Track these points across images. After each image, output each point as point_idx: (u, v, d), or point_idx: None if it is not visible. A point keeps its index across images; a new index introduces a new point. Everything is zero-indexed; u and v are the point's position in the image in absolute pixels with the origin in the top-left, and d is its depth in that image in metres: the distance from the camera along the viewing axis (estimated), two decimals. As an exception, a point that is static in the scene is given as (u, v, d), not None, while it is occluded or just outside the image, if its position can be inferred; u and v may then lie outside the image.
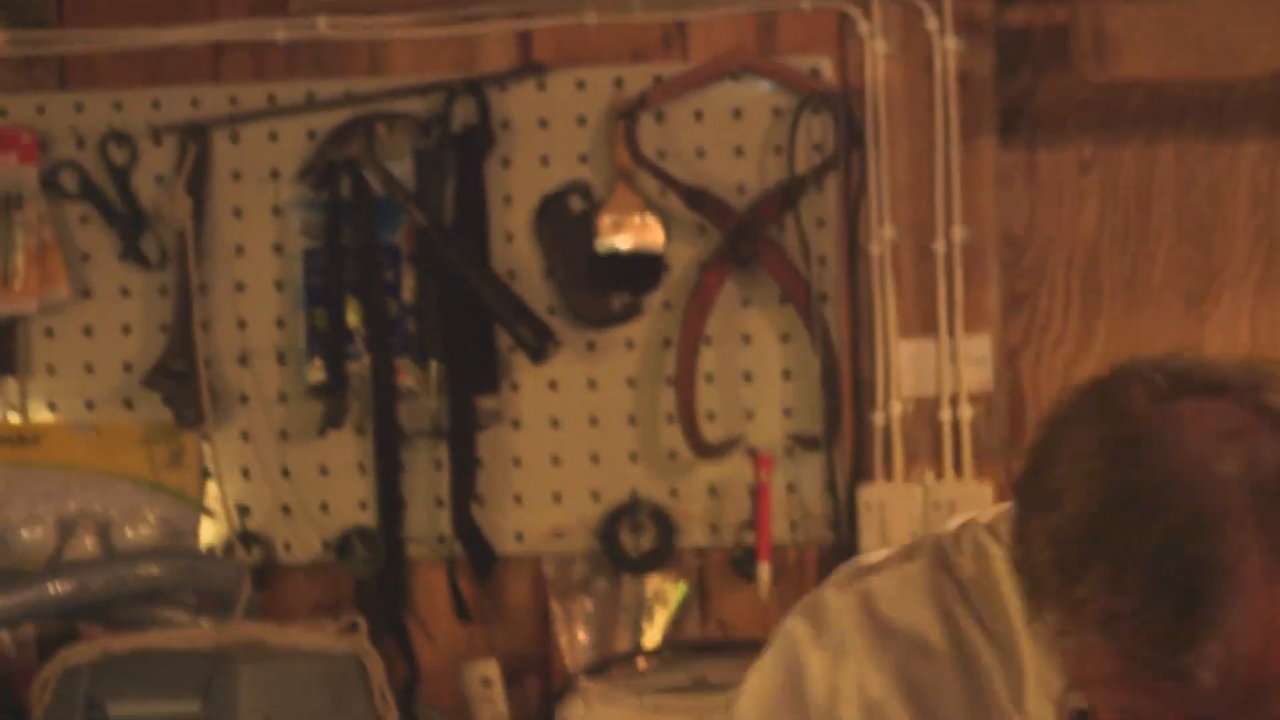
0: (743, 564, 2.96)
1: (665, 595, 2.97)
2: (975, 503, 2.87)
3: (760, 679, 1.60)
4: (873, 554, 1.65)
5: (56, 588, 2.74)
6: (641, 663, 2.93)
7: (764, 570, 2.92)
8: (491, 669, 2.92)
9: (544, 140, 2.91)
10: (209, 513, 3.02)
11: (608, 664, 2.93)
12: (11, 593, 2.76)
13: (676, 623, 2.97)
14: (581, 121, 2.91)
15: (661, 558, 2.97)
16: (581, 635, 2.94)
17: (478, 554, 2.96)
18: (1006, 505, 1.50)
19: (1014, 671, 1.54)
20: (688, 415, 2.95)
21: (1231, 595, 1.26)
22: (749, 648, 3.11)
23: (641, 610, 2.96)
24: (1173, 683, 1.27)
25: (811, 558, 2.96)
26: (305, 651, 2.71)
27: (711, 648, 2.95)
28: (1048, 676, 1.48)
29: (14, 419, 3.03)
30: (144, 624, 2.79)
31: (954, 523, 1.59)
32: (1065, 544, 1.30)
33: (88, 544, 3.00)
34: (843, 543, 2.89)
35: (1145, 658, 1.28)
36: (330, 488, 3.05)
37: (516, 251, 2.91)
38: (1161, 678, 1.28)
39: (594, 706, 2.84)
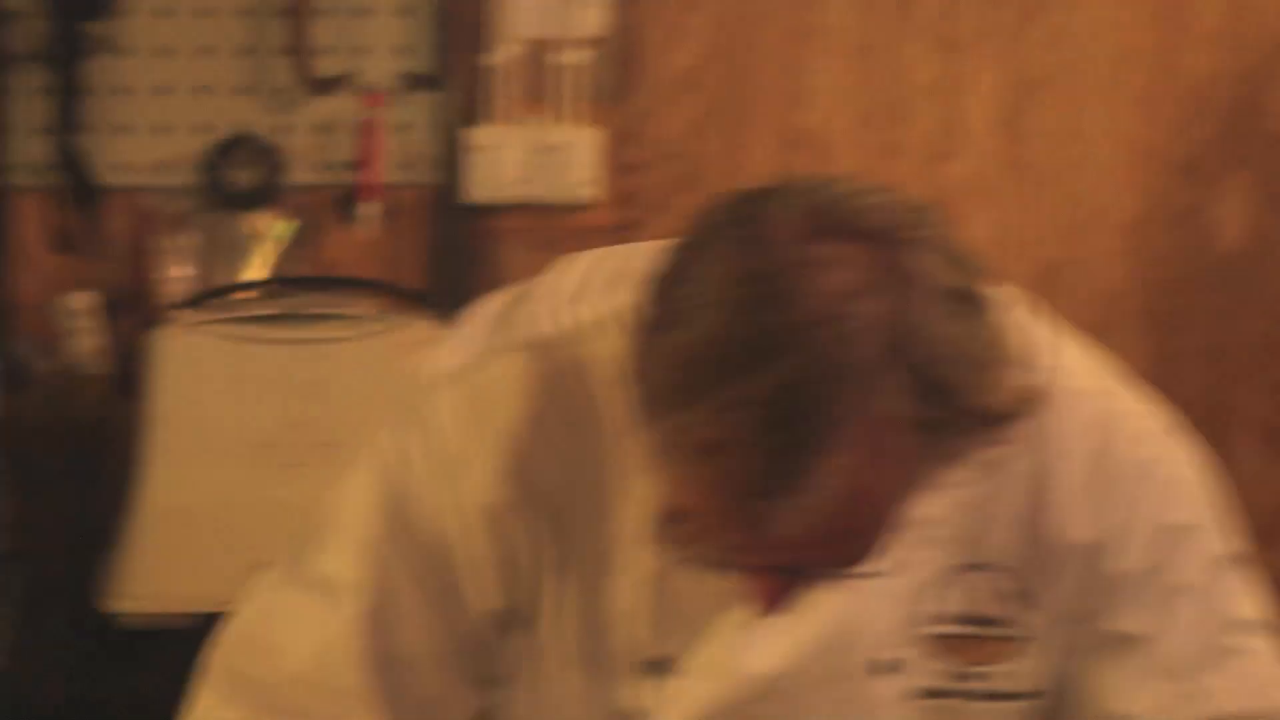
0: (349, 203, 2.99)
1: (270, 232, 2.97)
2: (584, 147, 3.00)
3: (360, 501, 1.61)
4: (461, 338, 1.63)
5: None
6: (240, 296, 2.95)
7: (370, 209, 2.97)
8: (90, 300, 2.94)
9: None
10: None
11: (205, 296, 2.92)
12: None
13: (282, 260, 2.99)
14: None
15: (268, 195, 2.97)
16: (182, 270, 2.94)
17: (79, 184, 2.94)
18: (619, 292, 1.52)
19: (598, 472, 1.56)
20: (300, 49, 2.94)
21: (829, 451, 1.27)
22: (352, 285, 2.82)
23: (245, 247, 2.98)
24: (756, 524, 1.31)
25: (419, 199, 3.00)
26: None
27: (311, 283, 2.98)
28: (638, 475, 1.51)
29: None
30: None
31: (545, 313, 1.57)
32: (684, 367, 1.30)
33: None
34: (452, 184, 2.94)
35: (735, 494, 1.30)
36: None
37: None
38: (746, 517, 1.31)
39: (186, 335, 2.87)
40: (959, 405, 1.28)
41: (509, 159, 3.00)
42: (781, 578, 1.39)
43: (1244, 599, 1.54)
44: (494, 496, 1.52)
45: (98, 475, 2.97)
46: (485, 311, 1.63)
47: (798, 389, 1.26)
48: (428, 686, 1.58)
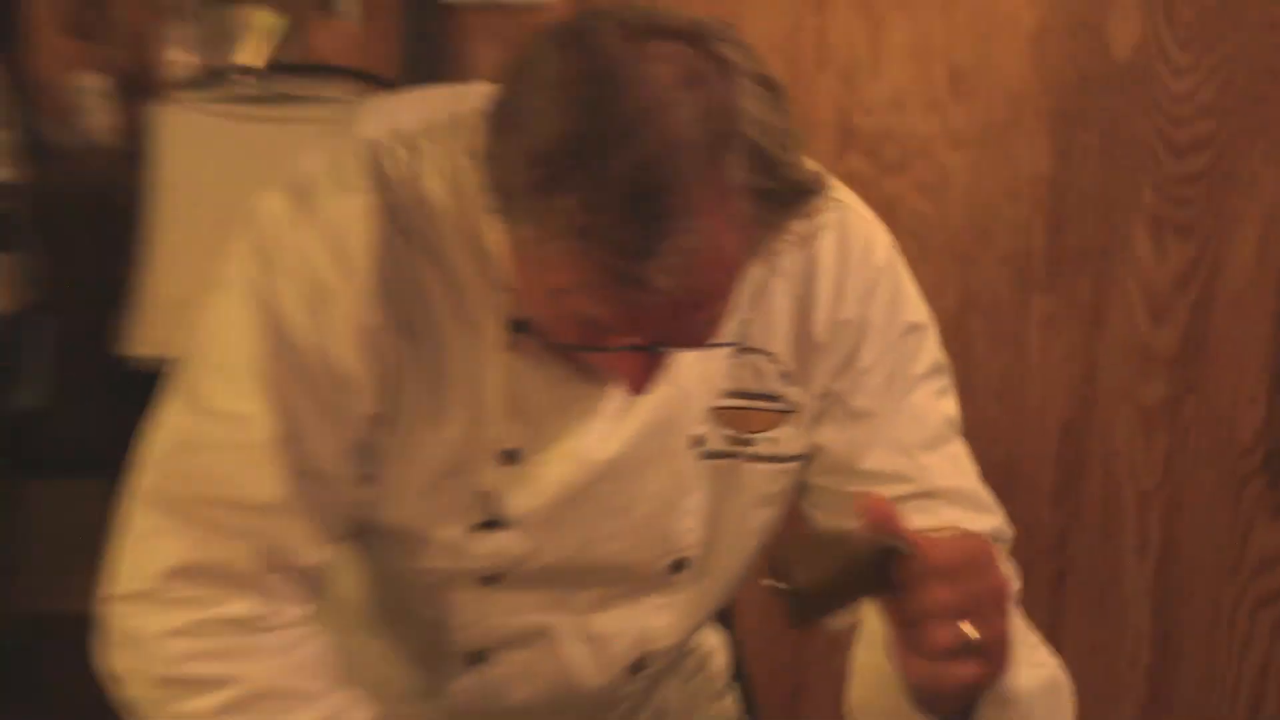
0: None
1: (261, 24, 3.11)
2: None
3: (242, 332, 1.74)
4: (304, 177, 1.76)
5: None
6: (237, 80, 3.09)
7: (350, 4, 3.14)
8: (100, 80, 3.11)
9: None
10: None
11: (202, 80, 3.09)
12: None
13: (271, 50, 3.10)
14: None
15: None
16: (183, 56, 3.09)
17: None
18: (412, 118, 1.74)
19: (451, 280, 1.73)
20: None
21: (687, 216, 1.44)
22: (332, 72, 3.14)
23: (239, 37, 3.10)
24: (632, 290, 1.48)
25: None
26: None
27: (296, 70, 3.12)
28: (484, 288, 1.71)
29: None
30: None
31: (379, 138, 1.74)
32: (541, 164, 1.46)
33: None
34: None
35: (612, 265, 1.46)
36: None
37: None
38: (625, 284, 1.47)
39: (186, 113, 3.04)
40: (783, 175, 1.47)
41: None
42: (647, 356, 1.60)
43: (951, 401, 1.88)
44: (365, 319, 1.68)
45: (113, 236, 3.05)
46: (317, 139, 1.83)
47: (650, 166, 1.42)
48: (338, 491, 1.75)
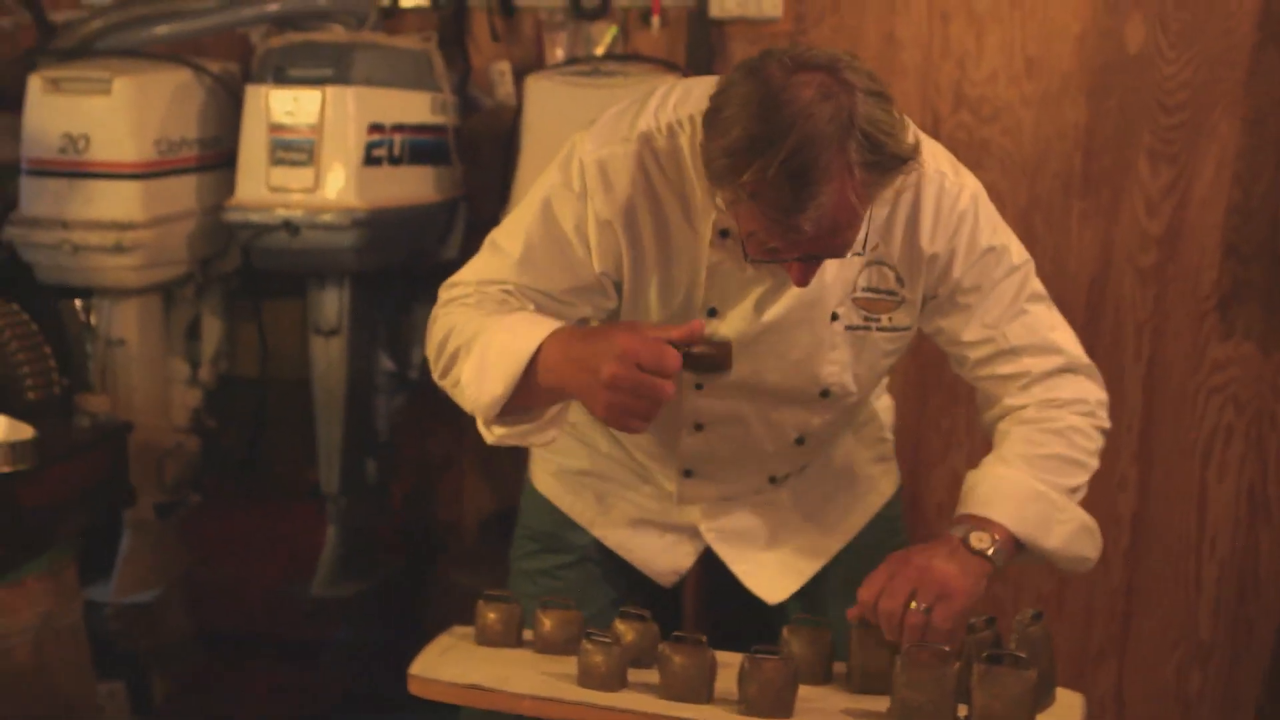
0: (646, 17, 3.87)
1: (604, 32, 3.89)
2: None
3: (533, 202, 2.21)
4: (602, 127, 2.20)
5: (273, 7, 3.73)
6: (590, 63, 3.75)
7: (657, 20, 3.88)
8: (506, 66, 3.97)
9: None
10: None
11: (567, 62, 3.81)
12: (243, 7, 3.73)
13: (610, 46, 3.90)
14: None
15: (603, 12, 3.87)
16: (557, 49, 3.91)
17: (504, 6, 3.90)
18: (689, 105, 2.15)
19: (687, 206, 2.15)
20: None
21: (823, 184, 1.88)
22: (645, 60, 3.85)
23: (591, 38, 3.89)
24: (790, 232, 1.93)
25: (684, 14, 3.93)
26: (399, 48, 3.65)
27: (624, 58, 3.83)
28: (708, 207, 2.13)
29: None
30: (319, 29, 3.74)
31: (658, 111, 2.18)
32: (736, 152, 1.90)
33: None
34: (703, 6, 3.87)
35: (776, 217, 1.92)
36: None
37: None
38: (785, 229, 1.93)
39: (551, 81, 3.68)
40: (887, 152, 1.93)
41: None
42: (807, 263, 2.03)
43: (1029, 283, 2.27)
44: (605, 215, 2.16)
45: (507, 157, 3.70)
46: (621, 107, 2.24)
47: (801, 150, 1.86)
48: (554, 308, 2.21)
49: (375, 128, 3.46)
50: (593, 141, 2.16)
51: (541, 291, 2.21)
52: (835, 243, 2.00)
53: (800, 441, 2.38)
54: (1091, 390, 2.31)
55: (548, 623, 2.32)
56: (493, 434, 2.18)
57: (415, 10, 3.97)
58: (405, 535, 3.97)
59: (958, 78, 3.99)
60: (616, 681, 2.24)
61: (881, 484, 2.60)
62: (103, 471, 3.20)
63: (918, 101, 4.07)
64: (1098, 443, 2.29)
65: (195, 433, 3.80)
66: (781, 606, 2.51)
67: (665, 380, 2.00)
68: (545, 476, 2.59)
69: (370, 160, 3.45)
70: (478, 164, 3.93)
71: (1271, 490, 4.06)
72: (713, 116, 1.97)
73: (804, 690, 2.20)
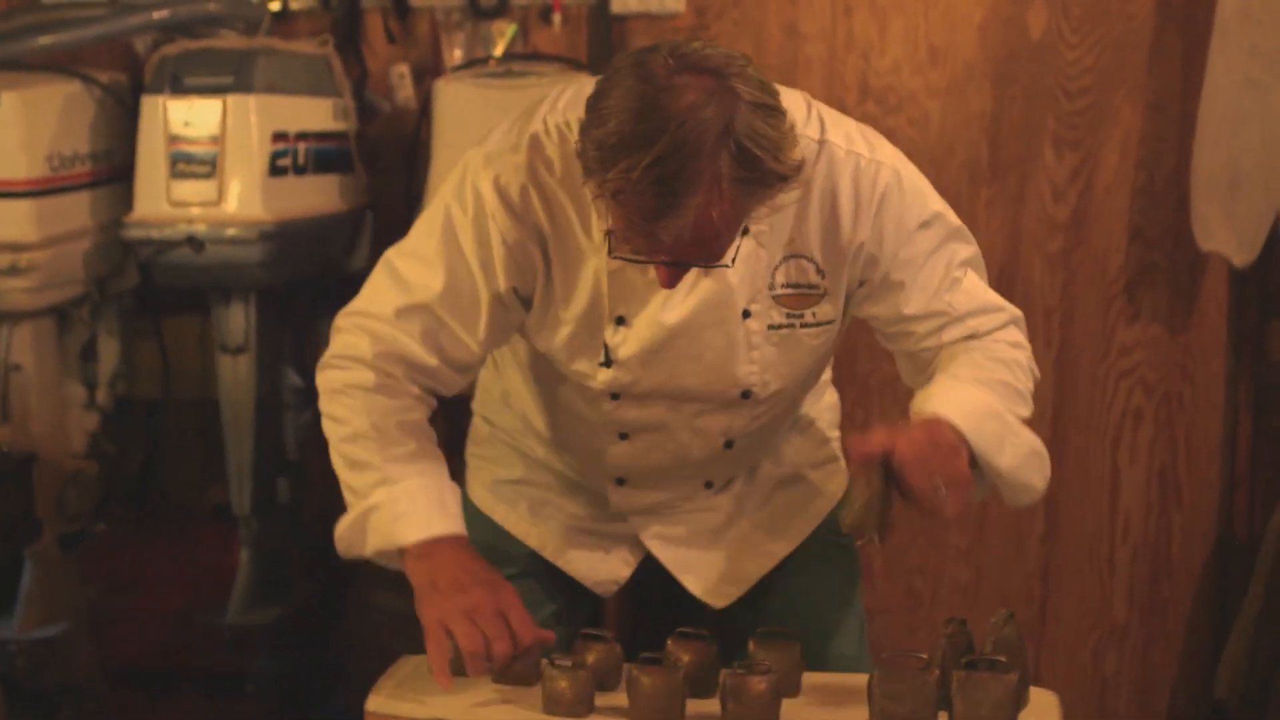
0: (547, 14, 3.85)
1: (504, 31, 3.85)
2: None
3: (424, 241, 2.19)
4: (493, 141, 2.17)
5: (161, 14, 3.60)
6: (488, 65, 3.74)
7: (557, 18, 3.84)
8: (405, 69, 3.94)
9: None
10: None
11: (467, 64, 3.78)
12: (129, 15, 3.60)
13: (508, 45, 3.85)
14: None
15: (502, 10, 3.83)
16: (456, 51, 3.87)
17: (400, 6, 3.87)
18: (578, 107, 2.04)
19: (583, 211, 2.11)
20: None
21: (686, 197, 1.86)
22: (544, 58, 3.75)
23: (491, 38, 3.85)
24: (647, 235, 1.91)
25: (585, 11, 3.91)
26: (298, 53, 3.62)
27: (523, 57, 3.80)
28: (604, 216, 2.06)
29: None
30: (210, 36, 3.66)
31: (547, 116, 2.14)
32: (605, 147, 1.85)
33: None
34: (604, 3, 3.86)
35: (635, 220, 1.89)
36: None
37: None
38: (643, 233, 1.91)
39: (457, 83, 3.66)
40: (764, 168, 1.89)
41: None
42: (670, 267, 2.00)
43: (959, 249, 2.23)
44: (511, 236, 2.12)
45: (409, 163, 3.73)
46: (512, 118, 2.21)
47: (669, 158, 1.83)
48: (448, 336, 2.20)
49: (279, 136, 3.41)
50: (484, 160, 2.15)
51: (441, 322, 2.20)
52: (698, 252, 1.97)
53: (729, 445, 2.34)
54: (1025, 340, 2.32)
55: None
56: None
57: (306, 13, 3.92)
58: (319, 556, 3.73)
59: (862, 69, 3.99)
60: (584, 707, 2.19)
61: (828, 487, 2.55)
62: (6, 505, 3.11)
63: (823, 94, 3.90)
64: (1031, 384, 2.28)
65: (94, 458, 3.72)
66: (726, 615, 2.48)
67: (497, 656, 2.15)
68: (479, 489, 2.55)
69: (275, 170, 3.40)
70: (380, 171, 3.91)
71: (1182, 472, 4.09)
72: (593, 104, 1.93)
73: (785, 703, 2.17)
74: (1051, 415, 4.05)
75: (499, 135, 2.17)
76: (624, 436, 2.31)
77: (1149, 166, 3.97)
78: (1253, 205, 3.64)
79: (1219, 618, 4.06)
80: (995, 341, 2.23)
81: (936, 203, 2.24)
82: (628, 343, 2.18)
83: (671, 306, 2.14)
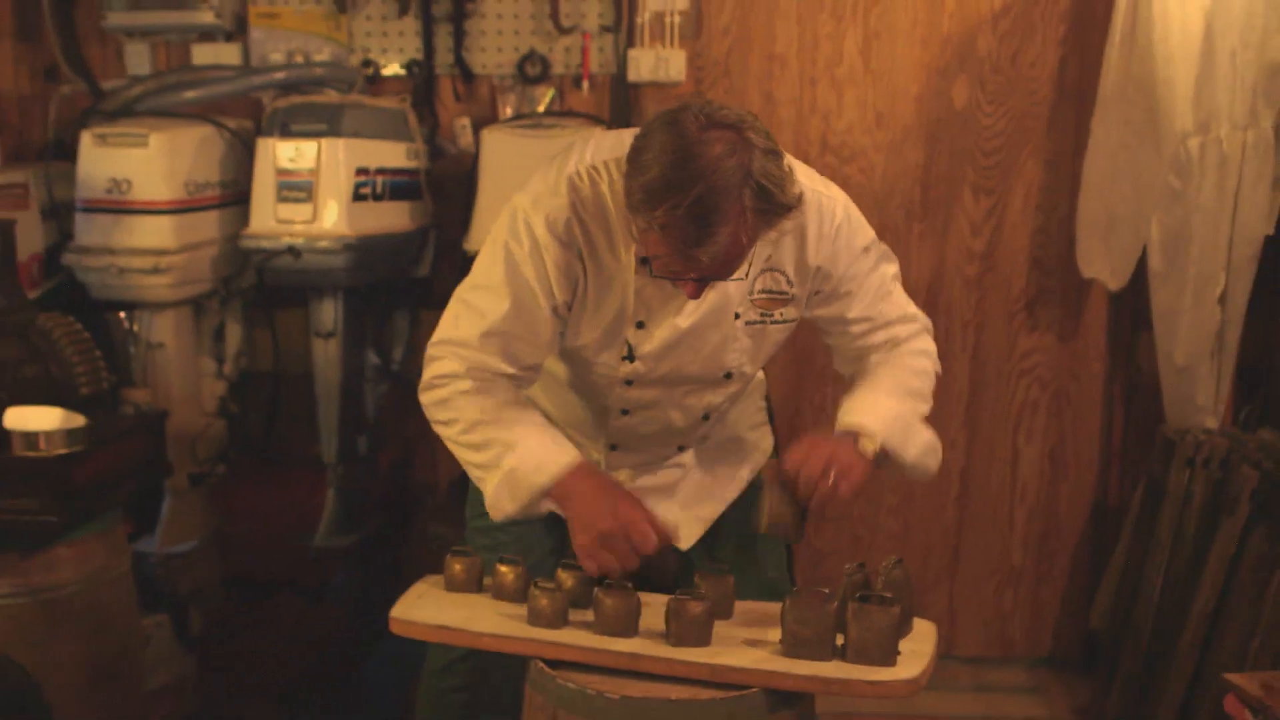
0: (578, 81, 3.73)
1: (545, 94, 3.75)
2: (678, 58, 3.78)
3: (489, 275, 2.11)
4: (535, 186, 2.10)
5: (279, 76, 3.68)
6: (528, 120, 3.58)
7: (586, 84, 3.75)
8: (467, 121, 3.82)
9: None
10: (351, 49, 3.81)
11: (515, 118, 3.66)
12: (254, 76, 3.69)
13: (549, 105, 3.74)
14: None
15: (544, 78, 3.76)
16: (507, 108, 3.78)
17: (464, 70, 3.76)
18: (604, 153, 2.05)
19: (611, 238, 2.07)
20: (555, 13, 3.68)
21: (720, 227, 1.86)
22: (577, 115, 3.53)
23: (534, 98, 3.75)
24: (688, 260, 1.90)
25: (608, 79, 3.82)
26: (379, 107, 3.58)
27: (560, 115, 3.63)
28: (629, 240, 2.06)
29: (269, 7, 3.80)
30: (315, 93, 3.61)
31: (578, 162, 2.08)
32: (651, 190, 1.85)
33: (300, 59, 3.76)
34: (622, 73, 3.77)
35: (679, 248, 1.88)
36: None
37: None
38: (684, 258, 1.90)
39: (502, 133, 3.50)
40: (775, 201, 1.90)
41: (645, 61, 3.80)
42: (699, 283, 2.01)
43: (889, 268, 2.26)
44: (561, 260, 2.08)
45: (470, 190, 3.54)
46: (546, 166, 2.13)
47: (703, 199, 1.84)
48: (531, 348, 2.15)
49: (361, 171, 3.38)
50: (533, 204, 2.08)
51: (519, 339, 2.14)
52: (725, 270, 1.95)
53: (706, 417, 2.32)
54: (932, 345, 2.31)
55: (506, 573, 2.26)
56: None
57: (394, 77, 3.88)
58: (392, 495, 3.87)
59: (823, 129, 3.95)
60: (560, 620, 2.15)
61: (762, 444, 2.51)
62: (144, 451, 3.09)
63: (791, 148, 3.97)
64: (933, 384, 2.29)
65: (221, 416, 3.73)
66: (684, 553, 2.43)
67: (634, 555, 2.06)
68: None
69: (358, 197, 3.37)
70: (443, 199, 3.81)
71: (1069, 451, 4.06)
72: (635, 156, 1.89)
73: (716, 625, 2.14)
74: (966, 404, 4.04)
75: (538, 182, 2.10)
76: (625, 413, 2.27)
77: (1046, 210, 3.91)
78: (1123, 242, 3.63)
79: (1094, 565, 4.06)
80: (909, 352, 2.24)
81: (871, 230, 2.24)
82: (647, 342, 2.14)
83: (685, 314, 2.12)
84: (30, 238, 3.46)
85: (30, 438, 2.69)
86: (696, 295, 1.99)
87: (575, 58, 3.81)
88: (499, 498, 2.10)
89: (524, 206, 2.07)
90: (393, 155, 3.50)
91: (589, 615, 2.15)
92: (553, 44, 3.82)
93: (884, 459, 2.16)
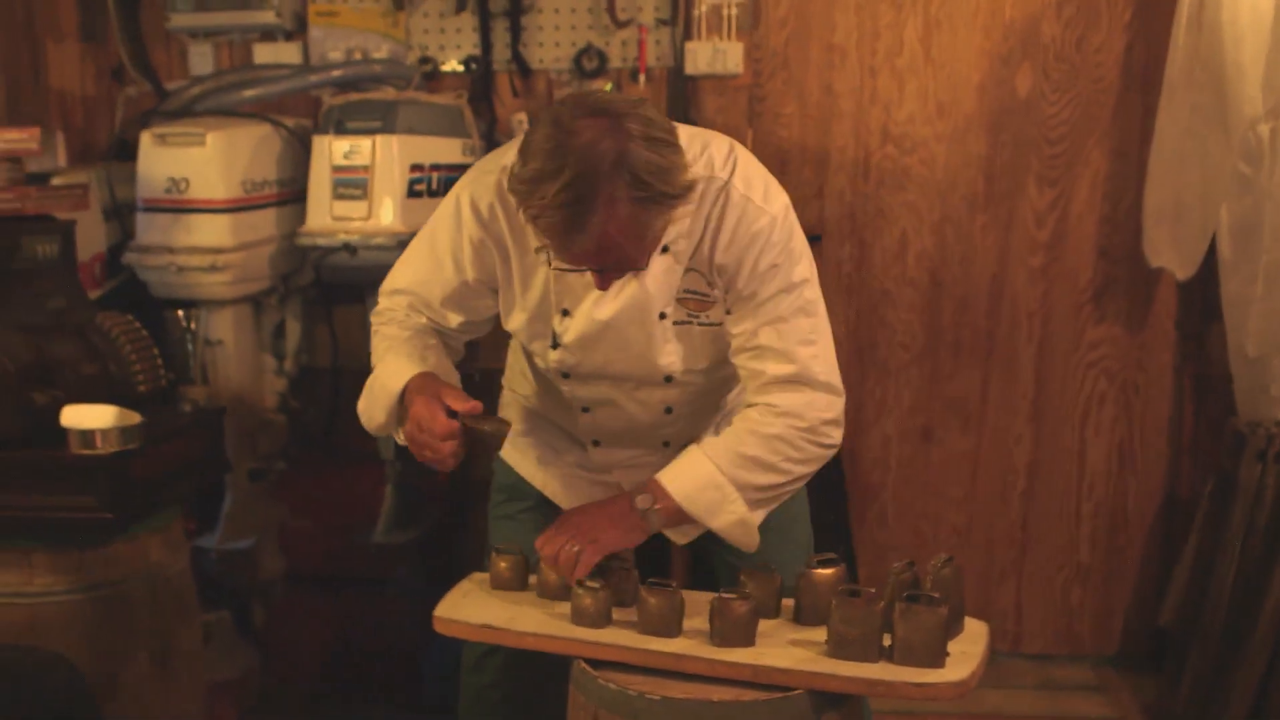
0: (635, 74, 3.73)
1: (604, 87, 3.72)
2: (736, 50, 3.75)
3: (416, 241, 2.24)
4: (480, 163, 2.17)
5: (336, 73, 3.67)
6: None
7: (643, 77, 3.72)
8: (524, 115, 3.78)
9: None
10: (409, 46, 3.82)
11: None
12: (311, 74, 3.70)
13: None
14: None
15: (600, 72, 3.75)
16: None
17: (521, 66, 3.77)
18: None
19: (519, 231, 2.11)
20: (612, 6, 3.68)
21: (589, 216, 1.84)
22: None
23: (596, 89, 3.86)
24: (568, 250, 1.91)
25: (665, 72, 3.80)
26: (435, 103, 3.53)
27: None
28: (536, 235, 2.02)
29: (327, 6, 3.80)
30: (373, 89, 3.65)
31: (510, 149, 2.07)
32: (525, 181, 1.86)
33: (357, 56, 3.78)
34: (680, 66, 3.75)
35: (553, 237, 1.90)
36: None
37: None
38: (564, 248, 1.91)
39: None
40: (654, 190, 1.86)
41: (702, 54, 3.79)
42: (599, 274, 1.99)
43: (800, 299, 2.08)
44: (476, 238, 2.13)
45: None
46: (492, 152, 2.20)
47: (570, 186, 1.82)
48: (433, 316, 2.22)
49: (415, 167, 3.36)
50: (468, 178, 2.13)
51: (424, 301, 2.22)
52: (614, 259, 1.92)
53: (669, 410, 2.27)
54: (816, 406, 2.11)
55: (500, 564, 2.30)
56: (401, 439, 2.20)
57: (452, 74, 3.88)
58: (450, 491, 3.76)
59: (884, 120, 3.92)
60: (603, 620, 2.15)
61: None
62: (202, 447, 3.09)
63: (852, 139, 3.99)
64: (807, 453, 2.11)
65: (281, 412, 3.75)
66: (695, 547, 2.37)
67: (437, 441, 2.05)
68: (506, 445, 2.38)
69: (412, 193, 3.35)
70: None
71: (1137, 445, 4.01)
72: (522, 149, 1.89)
73: (761, 624, 2.13)
74: (1033, 397, 4.00)
75: (484, 161, 2.18)
76: (586, 410, 2.28)
77: (1113, 199, 3.86)
78: (1191, 230, 3.58)
79: (1164, 561, 3.99)
80: (768, 412, 2.10)
81: (799, 255, 2.11)
82: (569, 331, 2.14)
83: (602, 305, 2.09)
84: (92, 237, 3.50)
85: (87, 435, 2.71)
86: (603, 286, 2.00)
87: (632, 51, 3.80)
88: (369, 406, 2.18)
89: (462, 181, 2.13)
90: (448, 151, 3.47)
91: (633, 614, 2.14)
92: (609, 38, 3.81)
93: (688, 520, 2.13)
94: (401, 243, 3.15)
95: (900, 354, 4.03)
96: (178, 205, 3.39)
